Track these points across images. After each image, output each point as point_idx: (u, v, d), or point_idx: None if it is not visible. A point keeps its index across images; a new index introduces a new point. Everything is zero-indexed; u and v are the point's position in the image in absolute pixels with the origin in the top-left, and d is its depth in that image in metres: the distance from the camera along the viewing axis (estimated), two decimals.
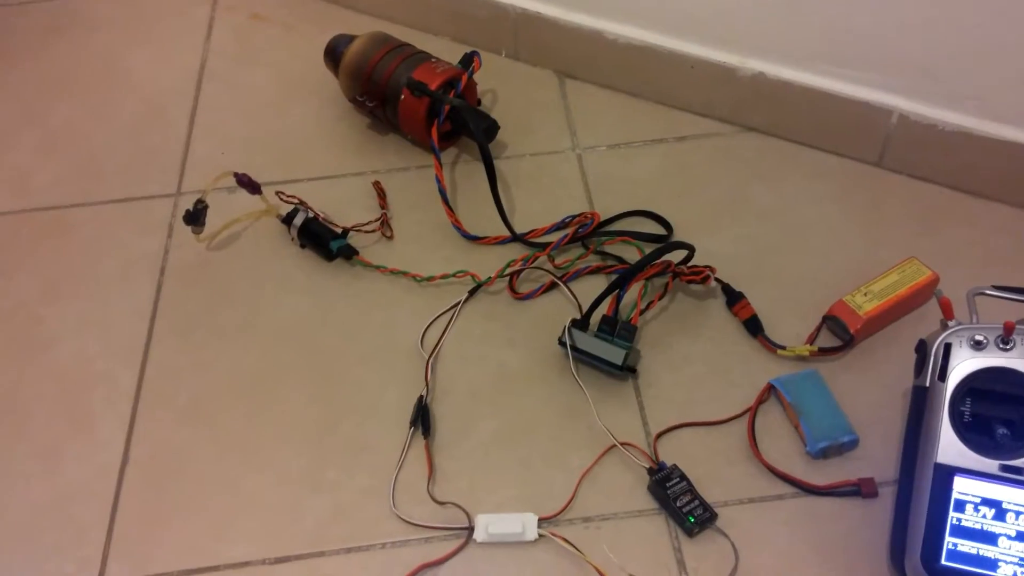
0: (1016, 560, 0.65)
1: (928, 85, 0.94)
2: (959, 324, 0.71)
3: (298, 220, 0.99)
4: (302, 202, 1.01)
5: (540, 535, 0.77)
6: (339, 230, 1.00)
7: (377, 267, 0.97)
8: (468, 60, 1.05)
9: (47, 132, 1.14)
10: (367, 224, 1.01)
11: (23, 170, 1.10)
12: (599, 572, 0.74)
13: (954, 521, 0.66)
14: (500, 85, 1.14)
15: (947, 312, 0.73)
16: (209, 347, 0.93)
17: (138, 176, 1.09)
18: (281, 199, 1.02)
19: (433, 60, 1.05)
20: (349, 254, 0.98)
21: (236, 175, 0.98)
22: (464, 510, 0.79)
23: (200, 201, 0.97)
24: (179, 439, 0.86)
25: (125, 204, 1.06)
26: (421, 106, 1.02)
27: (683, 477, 0.78)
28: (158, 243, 1.02)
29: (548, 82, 1.15)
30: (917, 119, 0.96)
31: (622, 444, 0.82)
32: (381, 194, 1.04)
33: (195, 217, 0.97)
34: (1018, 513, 0.65)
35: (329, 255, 0.98)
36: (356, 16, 1.25)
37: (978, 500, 0.66)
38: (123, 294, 0.97)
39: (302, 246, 1.00)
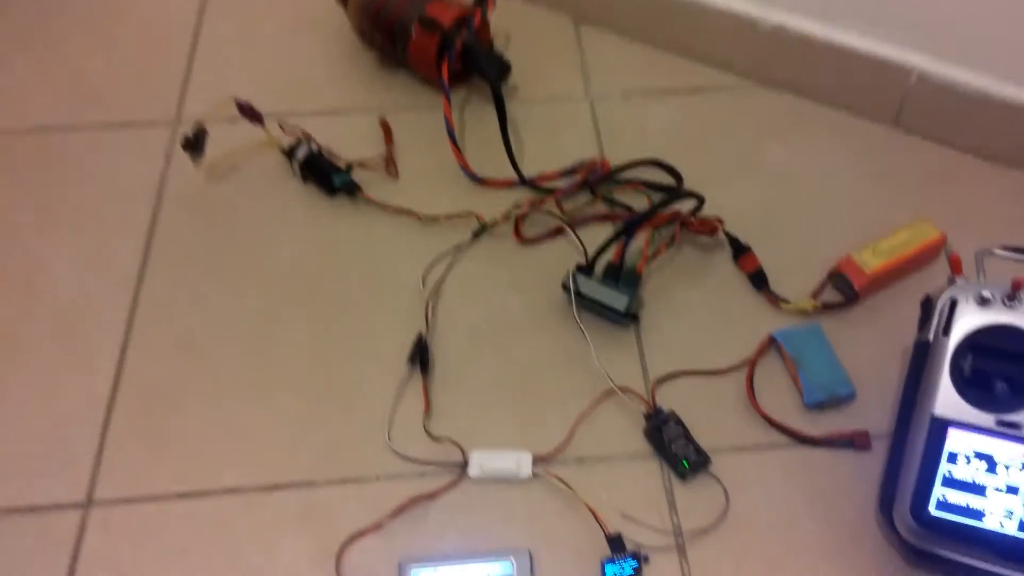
0: (1004, 513, 0.65)
1: (948, 45, 0.93)
2: (966, 281, 0.71)
3: (301, 153, 0.98)
4: (306, 135, 1.00)
5: (534, 473, 0.77)
6: (343, 166, 0.98)
7: (381, 205, 0.96)
8: None
9: (44, 56, 1.11)
10: (372, 161, 1.00)
11: (18, 92, 1.08)
12: (591, 511, 0.75)
13: (946, 473, 0.66)
14: (514, 28, 1.12)
15: (956, 268, 0.72)
16: (206, 279, 0.92)
17: (137, 102, 1.07)
18: (284, 131, 1.01)
19: None
20: (352, 190, 0.97)
21: (238, 102, 0.97)
22: (459, 446, 0.79)
23: (200, 127, 0.96)
24: (173, 371, 0.85)
25: (122, 129, 1.04)
26: (432, 43, 1.00)
27: (679, 422, 0.78)
28: (156, 171, 1.00)
29: (564, 27, 1.13)
30: (936, 79, 0.94)
31: (620, 389, 0.82)
32: (387, 131, 1.03)
33: (194, 143, 0.96)
34: (1009, 467, 0.66)
35: (332, 190, 0.97)
36: None
37: (971, 453, 0.66)
38: (118, 221, 0.96)
39: (304, 180, 0.99)
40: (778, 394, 0.82)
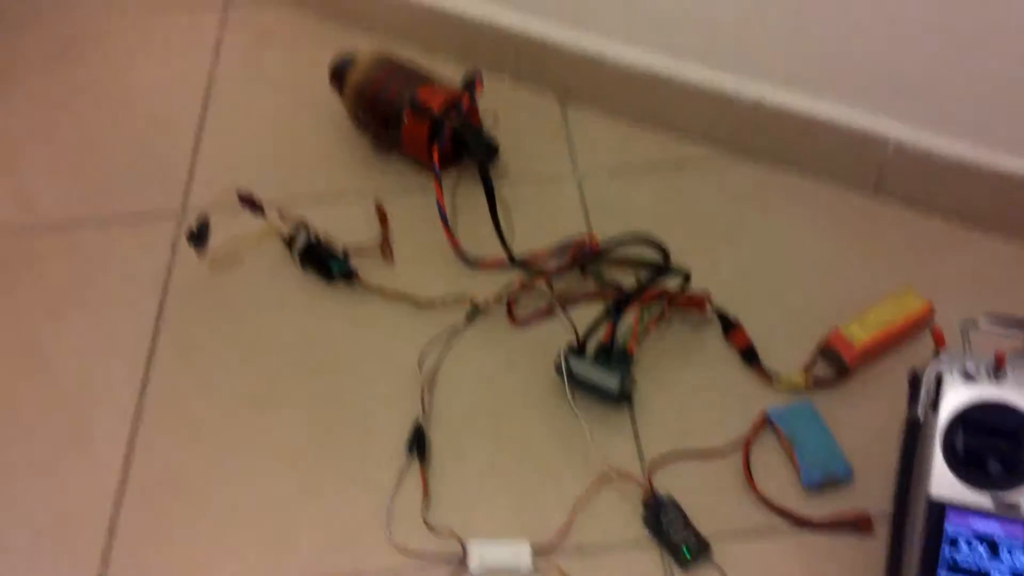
0: None
1: (923, 113, 0.94)
2: (950, 354, 0.71)
3: (300, 242, 0.99)
4: (304, 223, 1.02)
5: (534, 566, 0.77)
6: (340, 252, 1.00)
7: (377, 290, 0.98)
8: (471, 82, 1.06)
9: (52, 148, 1.15)
10: (368, 246, 1.02)
11: (26, 185, 1.11)
12: None
13: (948, 557, 0.66)
14: (502, 108, 1.14)
15: (939, 342, 0.73)
16: (211, 368, 0.93)
17: (143, 193, 1.09)
18: (283, 219, 1.03)
19: (436, 81, 1.06)
20: (349, 276, 0.98)
21: (239, 194, 0.99)
22: (459, 539, 0.79)
23: (203, 219, 0.98)
24: (178, 462, 0.86)
25: (129, 221, 1.07)
26: (423, 129, 1.03)
27: (678, 508, 0.78)
28: (161, 261, 1.02)
29: (550, 107, 1.16)
30: (913, 148, 0.96)
31: (617, 473, 0.81)
32: (382, 216, 1.05)
33: (198, 236, 0.98)
34: (1011, 548, 0.65)
35: (330, 277, 0.99)
36: (361, 34, 1.25)
37: (971, 535, 0.66)
38: (125, 312, 0.98)
39: (303, 268, 1.01)
40: (775, 474, 0.81)
